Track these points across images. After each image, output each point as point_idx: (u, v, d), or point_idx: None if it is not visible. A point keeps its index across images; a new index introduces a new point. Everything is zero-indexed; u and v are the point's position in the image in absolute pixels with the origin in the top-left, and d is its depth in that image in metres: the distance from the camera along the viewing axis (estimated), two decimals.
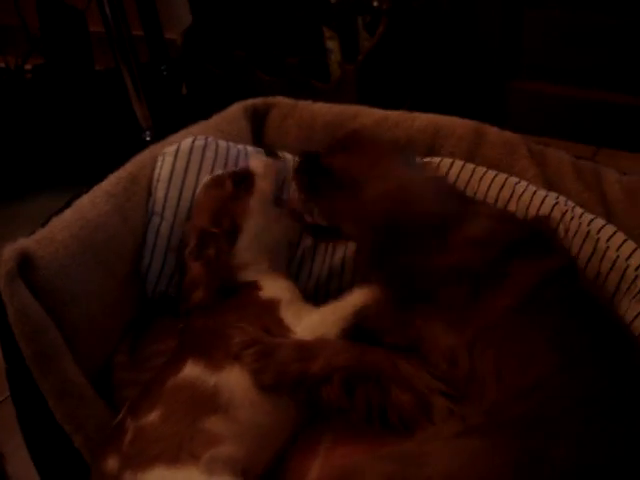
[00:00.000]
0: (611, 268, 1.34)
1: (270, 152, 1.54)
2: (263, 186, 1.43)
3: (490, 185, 1.52)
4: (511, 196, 1.49)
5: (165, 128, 1.76)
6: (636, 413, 1.06)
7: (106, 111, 2.70)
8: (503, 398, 1.10)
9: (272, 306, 1.34)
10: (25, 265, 1.23)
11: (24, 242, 1.26)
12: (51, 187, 2.57)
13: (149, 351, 1.47)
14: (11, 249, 1.22)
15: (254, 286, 1.37)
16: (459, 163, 1.57)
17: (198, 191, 1.48)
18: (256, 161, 1.47)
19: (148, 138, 2.53)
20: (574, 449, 1.00)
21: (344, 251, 1.56)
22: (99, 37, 2.76)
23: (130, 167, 1.52)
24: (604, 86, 2.44)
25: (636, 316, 1.27)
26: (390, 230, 1.25)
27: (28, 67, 2.93)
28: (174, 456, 1.11)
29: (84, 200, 1.41)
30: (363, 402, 1.19)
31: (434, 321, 1.22)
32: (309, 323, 1.32)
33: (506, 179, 1.52)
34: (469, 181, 1.54)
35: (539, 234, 1.29)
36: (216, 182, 1.44)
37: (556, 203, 1.45)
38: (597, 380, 1.09)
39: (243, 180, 1.42)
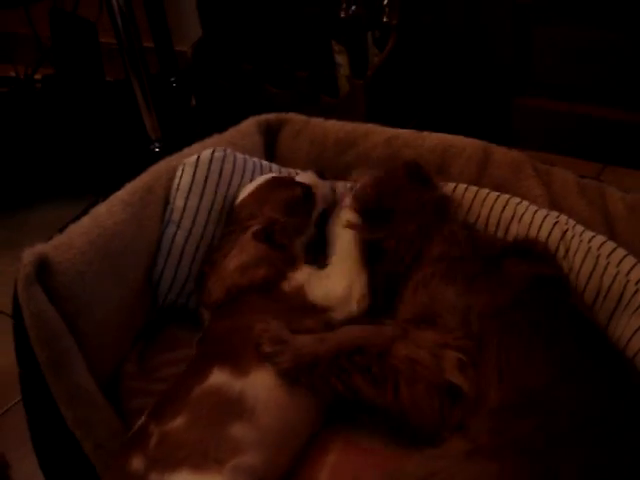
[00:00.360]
0: (612, 283, 1.35)
1: (321, 174, 1.60)
2: (319, 205, 1.54)
3: (493, 206, 1.55)
4: (512, 217, 1.51)
5: (174, 139, 1.78)
6: (635, 432, 1.07)
7: (115, 122, 2.71)
8: (506, 402, 1.11)
9: (299, 293, 1.38)
10: (43, 270, 1.24)
11: (42, 247, 1.27)
12: (59, 196, 2.59)
13: (158, 361, 1.47)
14: (30, 253, 1.23)
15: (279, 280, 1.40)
16: (462, 187, 1.59)
17: (257, 185, 1.54)
18: (316, 181, 1.57)
19: (157, 149, 2.55)
20: (584, 469, 1.01)
21: None
22: (110, 48, 2.79)
23: (146, 177, 1.53)
24: (611, 103, 2.44)
25: (636, 330, 1.28)
26: None
27: (38, 77, 2.96)
28: (200, 461, 1.12)
29: (101, 208, 1.42)
30: (375, 379, 1.20)
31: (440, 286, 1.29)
32: (339, 288, 1.38)
33: (508, 200, 1.55)
34: (471, 204, 1.57)
35: (529, 246, 1.38)
36: (283, 183, 1.55)
37: (556, 222, 1.47)
38: (597, 397, 1.11)
39: (309, 194, 1.53)
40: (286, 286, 1.39)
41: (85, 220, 1.39)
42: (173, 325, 1.54)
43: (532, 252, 1.35)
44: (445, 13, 2.57)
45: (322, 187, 1.57)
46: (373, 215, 1.46)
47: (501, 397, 1.12)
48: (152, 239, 1.50)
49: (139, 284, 1.47)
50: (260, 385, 1.22)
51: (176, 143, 1.67)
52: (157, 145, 2.57)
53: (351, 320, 1.36)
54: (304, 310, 1.36)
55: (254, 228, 1.43)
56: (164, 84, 2.92)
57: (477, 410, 1.14)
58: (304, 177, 1.58)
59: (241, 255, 1.41)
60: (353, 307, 1.38)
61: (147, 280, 1.50)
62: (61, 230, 1.35)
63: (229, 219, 1.54)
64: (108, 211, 1.41)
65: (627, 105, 2.41)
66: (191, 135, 1.71)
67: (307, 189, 1.53)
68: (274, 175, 1.58)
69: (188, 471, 1.11)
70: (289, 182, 1.55)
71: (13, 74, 2.98)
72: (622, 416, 1.09)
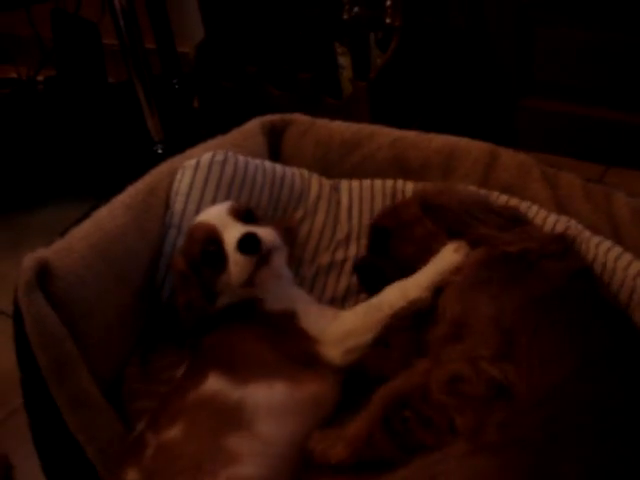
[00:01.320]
0: (620, 288, 1.35)
1: (246, 246, 1.31)
2: (232, 278, 1.33)
3: None
4: None
5: (177, 141, 1.78)
6: None
7: (118, 123, 2.71)
8: (529, 399, 1.10)
9: (288, 317, 1.34)
10: (43, 275, 1.23)
11: (43, 252, 1.27)
12: (62, 198, 2.59)
13: (160, 363, 1.47)
14: (30, 259, 1.23)
15: (257, 300, 1.37)
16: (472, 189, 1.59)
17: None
18: (234, 252, 1.31)
19: (160, 151, 2.54)
20: (585, 468, 1.01)
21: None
22: (112, 49, 2.78)
23: (148, 179, 1.53)
24: (615, 105, 2.44)
25: None
26: None
27: (40, 78, 2.95)
28: (194, 476, 1.11)
29: (102, 212, 1.42)
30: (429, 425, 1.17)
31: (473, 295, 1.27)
32: (341, 328, 1.32)
33: (519, 204, 1.55)
34: None
35: (562, 242, 1.37)
36: (193, 236, 1.40)
37: (567, 227, 1.48)
38: (614, 391, 1.10)
39: (214, 261, 1.35)
40: (270, 308, 1.36)
41: (86, 224, 1.39)
42: (175, 327, 1.53)
43: (561, 248, 1.34)
44: (447, 14, 2.56)
45: (241, 260, 1.31)
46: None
47: (527, 388, 1.11)
48: (154, 242, 1.49)
49: (141, 287, 1.47)
50: (261, 396, 1.22)
51: (179, 145, 1.67)
52: (160, 147, 2.56)
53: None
54: (292, 334, 1.33)
55: (175, 277, 1.40)
56: (167, 86, 2.91)
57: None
58: (229, 241, 1.32)
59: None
60: (339, 352, 1.32)
61: (149, 283, 1.49)
62: (62, 234, 1.35)
63: None
64: (109, 214, 1.41)
65: (631, 107, 2.40)
66: (194, 137, 1.70)
67: (207, 255, 1.35)
68: (200, 221, 1.39)
69: None
70: (198, 239, 1.37)
71: (15, 76, 2.98)
72: (634, 411, 1.08)
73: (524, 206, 1.55)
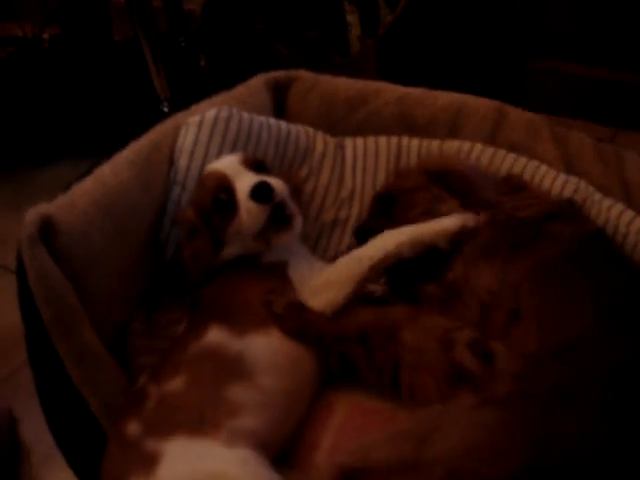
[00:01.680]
0: (632, 253, 1.34)
1: (259, 195, 1.32)
2: (243, 224, 1.34)
3: (511, 169, 1.54)
4: (531, 181, 1.51)
5: (183, 100, 1.76)
6: None
7: (124, 82, 2.71)
8: (542, 352, 1.10)
9: (280, 266, 1.35)
10: (46, 230, 1.23)
11: (46, 207, 1.26)
12: (68, 156, 2.59)
13: (165, 319, 1.47)
14: (33, 213, 1.23)
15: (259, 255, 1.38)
16: (479, 147, 1.58)
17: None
18: (245, 199, 1.33)
19: (166, 109, 2.53)
20: (591, 432, 1.01)
21: None
22: (118, 7, 2.76)
23: (152, 135, 1.52)
24: (626, 67, 2.42)
25: None
26: None
27: (46, 36, 2.93)
28: (196, 426, 1.11)
29: (105, 168, 1.41)
30: (376, 363, 1.21)
31: (478, 263, 1.27)
32: (321, 280, 1.32)
33: (526, 163, 1.54)
34: (489, 166, 1.55)
35: (570, 206, 1.37)
36: (204, 183, 1.41)
37: (576, 189, 1.47)
38: (629, 352, 1.10)
39: (225, 208, 1.36)
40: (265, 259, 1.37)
41: (89, 180, 1.37)
42: (179, 284, 1.53)
43: (569, 212, 1.35)
44: None
45: (251, 206, 1.32)
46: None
47: (539, 342, 1.12)
48: (158, 198, 1.48)
49: (145, 243, 1.46)
50: (259, 346, 1.22)
51: (185, 103, 1.65)
52: (166, 105, 2.55)
53: None
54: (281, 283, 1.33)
55: (183, 229, 1.40)
56: (173, 44, 2.88)
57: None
58: (241, 189, 1.33)
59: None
60: (318, 303, 1.29)
61: (153, 239, 1.49)
62: (64, 190, 1.34)
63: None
64: (112, 170, 1.40)
65: None
66: (200, 95, 1.68)
67: (218, 203, 1.36)
68: (215, 169, 1.40)
69: (184, 437, 1.10)
70: (211, 187, 1.38)
71: (20, 33, 2.95)
72: None
73: (532, 165, 1.53)
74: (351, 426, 1.24)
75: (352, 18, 2.48)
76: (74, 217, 1.29)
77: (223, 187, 1.35)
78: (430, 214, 1.37)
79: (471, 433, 1.02)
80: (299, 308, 1.26)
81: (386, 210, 1.47)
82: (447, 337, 1.18)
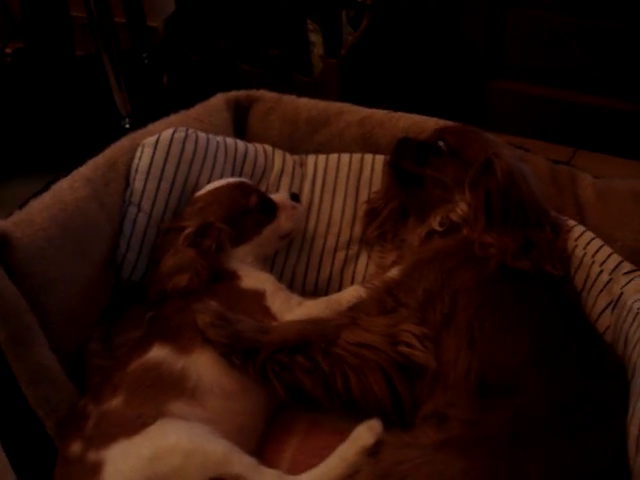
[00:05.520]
0: (579, 265, 1.37)
1: (295, 196, 1.57)
2: (282, 224, 1.51)
3: None
4: None
5: (145, 116, 1.75)
6: (611, 421, 1.08)
7: (85, 97, 2.69)
8: (479, 380, 1.11)
9: (257, 295, 1.37)
10: (3, 247, 1.21)
11: (2, 223, 1.25)
12: (28, 171, 2.55)
13: (122, 339, 1.45)
14: None
15: (234, 276, 1.39)
16: None
17: (218, 185, 1.50)
18: (285, 200, 1.53)
19: (127, 125, 2.53)
20: (552, 467, 1.02)
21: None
22: (81, 22, 2.74)
23: (109, 153, 1.51)
24: (583, 88, 2.46)
25: (603, 310, 1.30)
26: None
27: (8, 51, 2.91)
28: (135, 429, 1.11)
29: (63, 184, 1.40)
30: (321, 374, 1.19)
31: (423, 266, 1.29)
32: (302, 314, 1.34)
33: None
34: None
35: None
36: (243, 190, 1.49)
37: None
38: (572, 382, 1.12)
39: (269, 209, 1.49)
40: (243, 284, 1.38)
41: (46, 196, 1.36)
42: (138, 304, 1.51)
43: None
44: None
45: (290, 209, 1.53)
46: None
47: (475, 370, 1.13)
48: (114, 217, 1.48)
49: (103, 262, 1.45)
50: (203, 364, 1.22)
51: (147, 120, 1.65)
52: (127, 121, 2.55)
53: None
54: (261, 311, 1.35)
55: (187, 231, 1.40)
56: (136, 60, 2.88)
57: (446, 383, 1.14)
58: (276, 195, 1.54)
59: (171, 259, 1.39)
60: None
61: (111, 258, 1.49)
62: (21, 206, 1.33)
63: (181, 210, 1.51)
64: (70, 187, 1.39)
65: (599, 90, 2.43)
66: (162, 112, 1.68)
67: (265, 203, 1.50)
68: (243, 181, 1.54)
69: (124, 439, 1.10)
70: (251, 191, 1.49)
71: None
72: (598, 405, 1.10)
73: None
74: (310, 446, 1.24)
75: (315, 37, 2.49)
76: (31, 233, 1.28)
77: (259, 191, 1.50)
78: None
79: None
80: (229, 318, 1.24)
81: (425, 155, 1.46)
82: (390, 331, 1.19)
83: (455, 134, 1.47)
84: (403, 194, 1.51)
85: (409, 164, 1.46)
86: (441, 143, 1.45)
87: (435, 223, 1.39)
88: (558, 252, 1.33)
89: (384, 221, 1.56)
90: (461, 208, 1.37)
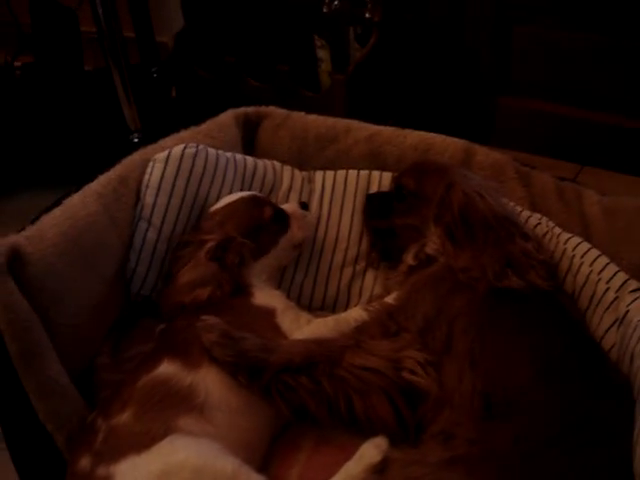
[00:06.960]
0: (585, 282, 1.38)
1: (304, 205, 1.61)
2: (296, 233, 1.54)
3: None
4: None
5: (153, 131, 1.76)
6: (615, 440, 1.08)
7: (94, 111, 2.69)
8: (484, 401, 1.12)
9: (268, 313, 1.38)
10: (14, 261, 1.22)
11: (14, 238, 1.26)
12: (37, 185, 2.57)
13: (131, 353, 1.47)
14: (1, 244, 1.22)
15: (246, 292, 1.41)
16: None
17: (232, 199, 1.52)
18: (296, 210, 1.57)
19: (136, 140, 2.53)
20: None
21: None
22: (90, 37, 2.76)
23: (120, 169, 1.52)
24: (591, 105, 2.46)
25: (608, 328, 1.30)
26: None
27: (18, 64, 2.92)
28: (145, 445, 1.11)
29: (74, 199, 1.41)
30: (325, 395, 1.20)
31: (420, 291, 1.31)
32: (310, 333, 1.35)
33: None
34: None
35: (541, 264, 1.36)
36: (257, 202, 1.52)
37: (538, 224, 1.51)
38: (578, 401, 1.12)
39: (282, 219, 1.53)
40: (254, 301, 1.40)
41: (57, 211, 1.37)
42: (147, 318, 1.53)
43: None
44: (427, 11, 2.57)
45: (301, 218, 1.56)
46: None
47: (479, 391, 1.13)
48: (125, 232, 1.49)
49: (113, 276, 1.46)
50: (212, 380, 1.22)
51: (156, 134, 1.66)
52: (136, 136, 2.55)
53: None
54: (271, 328, 1.37)
55: (209, 245, 1.42)
56: (145, 75, 2.89)
57: (451, 404, 1.15)
58: (286, 205, 1.58)
59: (192, 272, 1.41)
60: None
61: (121, 273, 1.49)
62: (33, 221, 1.34)
63: (197, 224, 1.53)
64: (81, 202, 1.40)
65: (606, 107, 2.43)
66: (171, 126, 1.69)
67: (279, 214, 1.52)
68: (255, 194, 1.57)
69: (134, 455, 1.10)
70: (264, 204, 1.53)
71: None
72: (601, 423, 1.10)
73: None
74: (318, 462, 1.23)
75: (322, 53, 2.51)
76: (43, 248, 1.29)
77: (271, 202, 1.54)
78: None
79: None
80: (234, 336, 1.25)
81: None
82: (394, 356, 1.20)
83: (412, 176, 1.52)
84: (383, 244, 1.59)
85: (377, 222, 1.57)
86: (400, 189, 1.52)
87: (409, 259, 1.45)
88: (538, 260, 1.32)
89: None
90: (433, 241, 1.41)
